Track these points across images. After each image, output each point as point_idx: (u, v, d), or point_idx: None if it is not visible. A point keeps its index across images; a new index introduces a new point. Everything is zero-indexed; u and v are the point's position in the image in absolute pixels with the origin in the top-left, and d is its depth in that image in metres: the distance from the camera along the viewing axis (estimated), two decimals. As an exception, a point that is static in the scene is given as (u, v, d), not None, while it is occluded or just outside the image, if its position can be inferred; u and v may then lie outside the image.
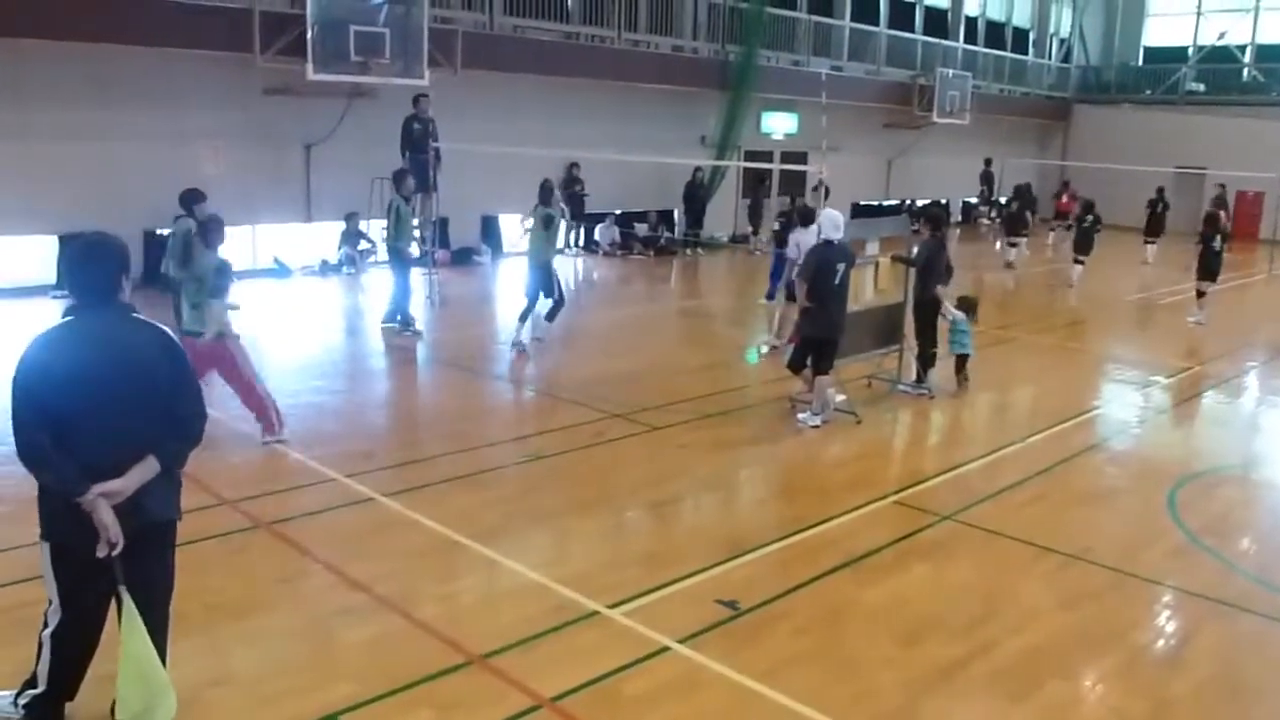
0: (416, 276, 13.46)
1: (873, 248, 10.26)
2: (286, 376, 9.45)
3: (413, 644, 4.82)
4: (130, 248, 3.81)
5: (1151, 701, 4.64)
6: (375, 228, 16.35)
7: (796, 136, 24.06)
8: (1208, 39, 32.01)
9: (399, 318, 12.01)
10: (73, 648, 3.71)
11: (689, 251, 21.17)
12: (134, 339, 3.60)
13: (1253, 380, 11.88)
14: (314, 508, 6.49)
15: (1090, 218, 18.30)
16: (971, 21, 30.74)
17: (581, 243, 20.32)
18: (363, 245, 16.50)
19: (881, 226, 24.00)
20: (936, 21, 29.20)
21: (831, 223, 8.76)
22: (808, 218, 11.02)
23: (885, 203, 28.23)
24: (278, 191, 15.60)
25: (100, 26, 13.00)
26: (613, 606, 5.21)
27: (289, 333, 11.99)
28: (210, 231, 7.40)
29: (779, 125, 23.99)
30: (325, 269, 16.06)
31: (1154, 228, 21.72)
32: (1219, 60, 31.72)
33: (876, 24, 26.75)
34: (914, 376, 10.06)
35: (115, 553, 3.45)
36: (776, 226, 12.34)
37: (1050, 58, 34.14)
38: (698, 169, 21.36)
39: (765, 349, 11.21)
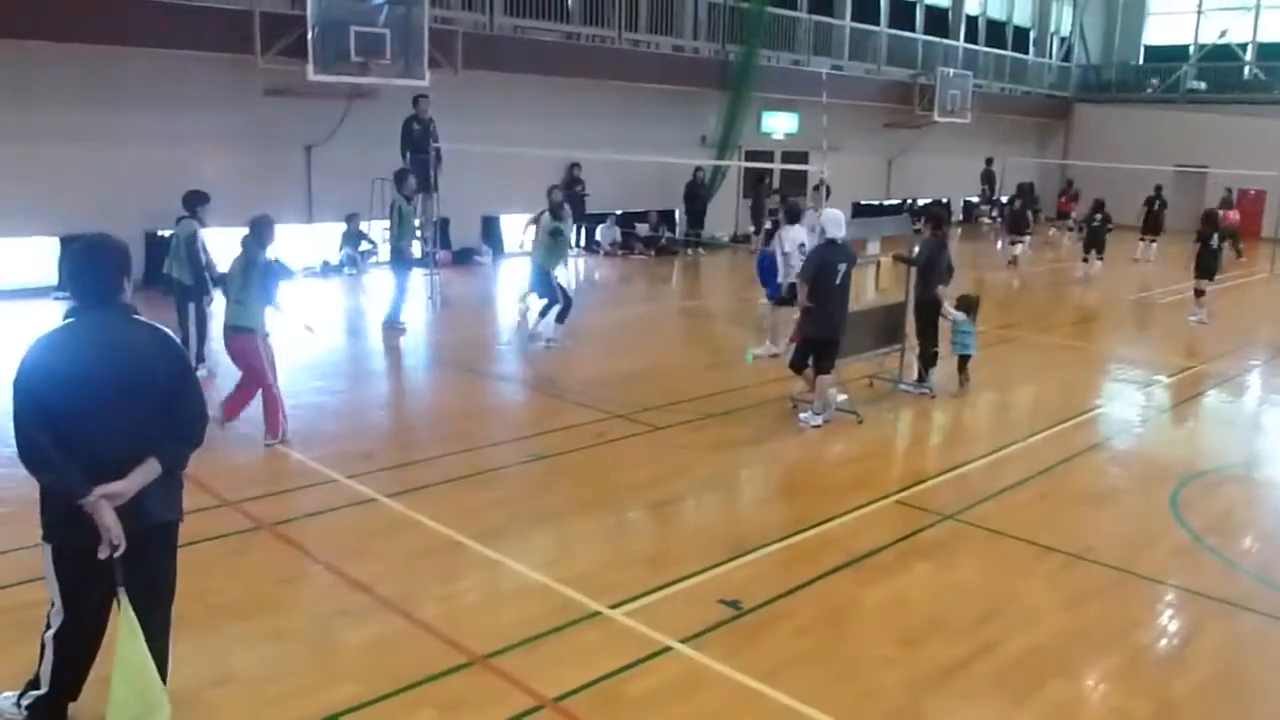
0: (417, 277, 13.48)
1: (874, 247, 10.27)
2: (288, 377, 9.42)
3: (415, 644, 4.82)
4: (131, 249, 3.81)
5: (1154, 701, 4.63)
6: (376, 228, 16.40)
7: (797, 136, 24.07)
8: (1209, 37, 31.99)
9: (391, 315, 12.13)
10: (75, 649, 3.71)
11: (690, 251, 21.18)
12: (135, 340, 3.59)
13: (1255, 379, 11.87)
14: (315, 508, 6.50)
15: (1100, 216, 18.30)
16: (972, 20, 30.75)
17: (583, 243, 20.33)
18: (364, 246, 16.52)
19: (883, 226, 23.98)
20: (937, 20, 29.21)
21: (833, 221, 8.75)
22: (794, 213, 11.23)
23: (886, 202, 28.22)
24: (279, 192, 15.58)
25: (101, 28, 13.02)
26: (615, 606, 5.21)
27: (290, 333, 11.96)
28: (262, 231, 7.48)
29: (780, 125, 24.00)
30: (326, 270, 16.07)
31: (1151, 225, 21.74)
32: (1220, 58, 31.69)
33: (877, 23, 26.77)
34: (915, 376, 10.05)
35: (117, 555, 3.45)
36: (769, 225, 12.41)
37: (1051, 57, 34.14)
38: (698, 169, 21.37)
39: (764, 355, 11.20)
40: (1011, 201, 22.72)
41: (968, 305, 10.23)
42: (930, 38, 28.31)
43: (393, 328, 12.04)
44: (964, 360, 10.16)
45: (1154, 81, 31.90)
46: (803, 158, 22.69)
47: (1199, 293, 14.77)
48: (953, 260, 10.40)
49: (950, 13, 29.76)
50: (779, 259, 11.21)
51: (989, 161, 27.93)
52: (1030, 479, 7.67)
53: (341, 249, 16.33)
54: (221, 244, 10.08)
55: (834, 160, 17.08)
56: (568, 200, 13.44)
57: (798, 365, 8.90)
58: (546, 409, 9.38)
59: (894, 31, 27.13)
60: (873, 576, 5.83)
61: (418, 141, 14.58)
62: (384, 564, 5.69)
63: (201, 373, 8.92)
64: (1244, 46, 31.62)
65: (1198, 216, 15.57)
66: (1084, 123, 33.19)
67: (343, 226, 16.37)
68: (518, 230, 18.40)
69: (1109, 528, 6.79)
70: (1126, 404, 10.45)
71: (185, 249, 9.40)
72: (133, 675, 3.48)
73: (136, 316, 3.65)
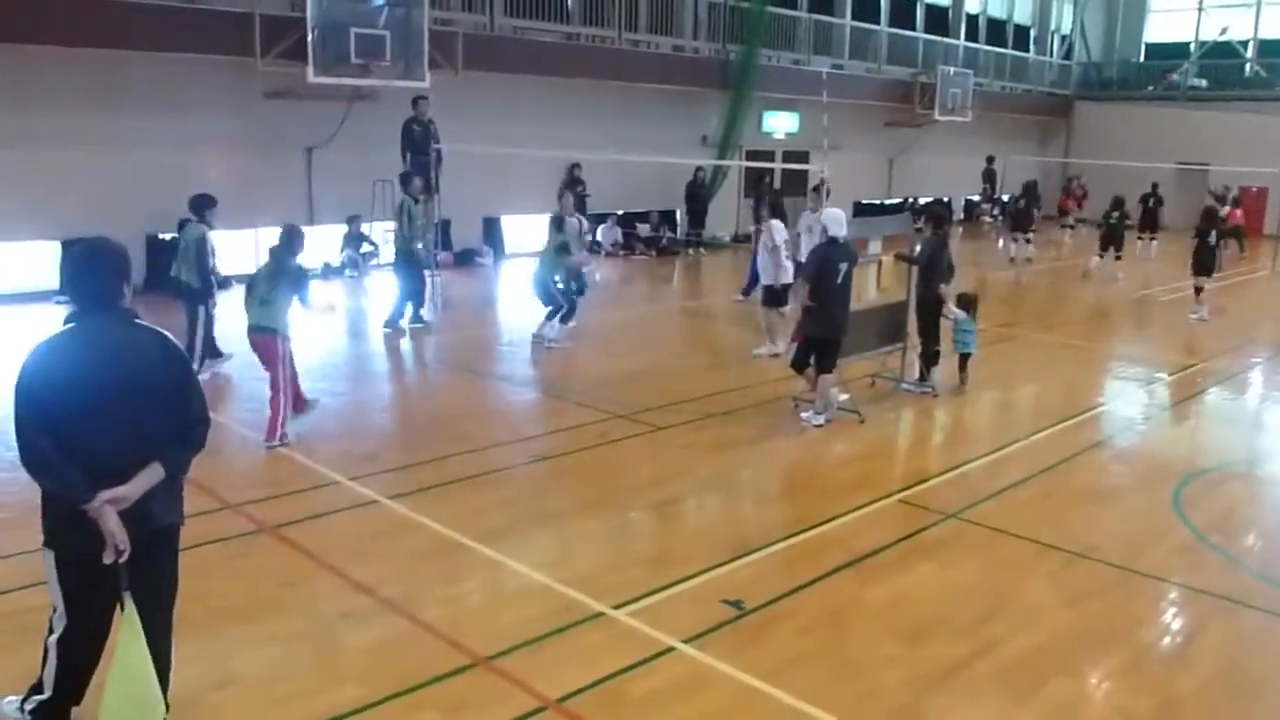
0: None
1: (875, 246, 10.26)
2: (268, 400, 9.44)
3: (418, 646, 4.82)
4: (133, 252, 3.82)
5: (1157, 699, 4.62)
6: (378, 230, 16.42)
7: (798, 135, 24.06)
8: (1209, 34, 31.95)
9: (390, 316, 12.25)
10: (79, 653, 3.71)
11: (691, 251, 21.17)
12: (136, 344, 3.59)
13: (1257, 376, 11.85)
14: (318, 511, 6.50)
15: (1117, 214, 18.32)
16: (973, 19, 30.74)
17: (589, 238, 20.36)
18: (365, 248, 16.53)
19: (884, 225, 23.96)
20: (937, 19, 29.20)
21: (834, 220, 8.75)
22: (777, 208, 11.46)
23: (887, 201, 28.20)
24: (280, 195, 15.60)
25: (102, 31, 13.03)
26: (618, 607, 5.21)
27: (291, 334, 11.97)
28: (293, 240, 7.89)
29: (780, 124, 23.99)
30: (328, 271, 16.07)
31: (1149, 223, 21.76)
32: (1221, 56, 31.65)
33: (877, 22, 26.76)
34: (917, 375, 10.05)
35: (123, 560, 3.45)
36: (754, 225, 12.67)
37: (1052, 55, 34.12)
38: (699, 169, 21.37)
39: (765, 355, 11.20)
40: (1015, 200, 22.71)
41: (966, 303, 10.23)
42: (931, 36, 28.30)
43: (416, 324, 12.22)
44: (964, 359, 10.16)
45: (1172, 76, 31.66)
46: (804, 157, 22.68)
47: (1198, 289, 14.77)
48: (953, 259, 10.40)
49: (950, 11, 29.75)
50: (763, 256, 11.24)
51: (990, 160, 27.92)
52: (1032, 477, 7.66)
53: (343, 251, 16.34)
54: (224, 247, 10.10)
55: (835, 159, 17.06)
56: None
57: (799, 365, 8.89)
58: (548, 410, 9.38)
59: (894, 30, 27.12)
60: (875, 576, 5.83)
61: (418, 143, 14.59)
62: (386, 566, 5.69)
63: (204, 375, 8.92)
64: (1245, 43, 31.58)
65: (1199, 214, 15.60)
66: (1085, 121, 33.16)
67: (344, 228, 16.37)
68: (524, 230, 18.57)
69: (1111, 526, 6.78)
70: (1128, 402, 10.44)
71: (194, 252, 9.49)
72: (130, 680, 3.46)
73: (137, 320, 3.65)
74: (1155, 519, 6.94)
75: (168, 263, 10.30)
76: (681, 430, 8.49)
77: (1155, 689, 4.72)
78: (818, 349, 8.66)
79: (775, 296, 11.28)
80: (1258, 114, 28.84)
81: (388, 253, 16.39)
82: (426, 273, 12.81)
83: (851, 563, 5.95)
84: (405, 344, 11.87)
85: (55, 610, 3.68)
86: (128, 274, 3.68)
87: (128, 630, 3.47)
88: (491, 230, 19.07)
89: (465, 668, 4.61)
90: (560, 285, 11.55)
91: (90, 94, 13.75)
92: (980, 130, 28.04)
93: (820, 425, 8.66)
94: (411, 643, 4.86)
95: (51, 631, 3.70)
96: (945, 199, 26.84)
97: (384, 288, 14.91)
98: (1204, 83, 31.56)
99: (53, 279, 12.93)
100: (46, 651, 3.72)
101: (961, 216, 29.67)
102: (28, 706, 3.80)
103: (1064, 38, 34.75)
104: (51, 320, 3.73)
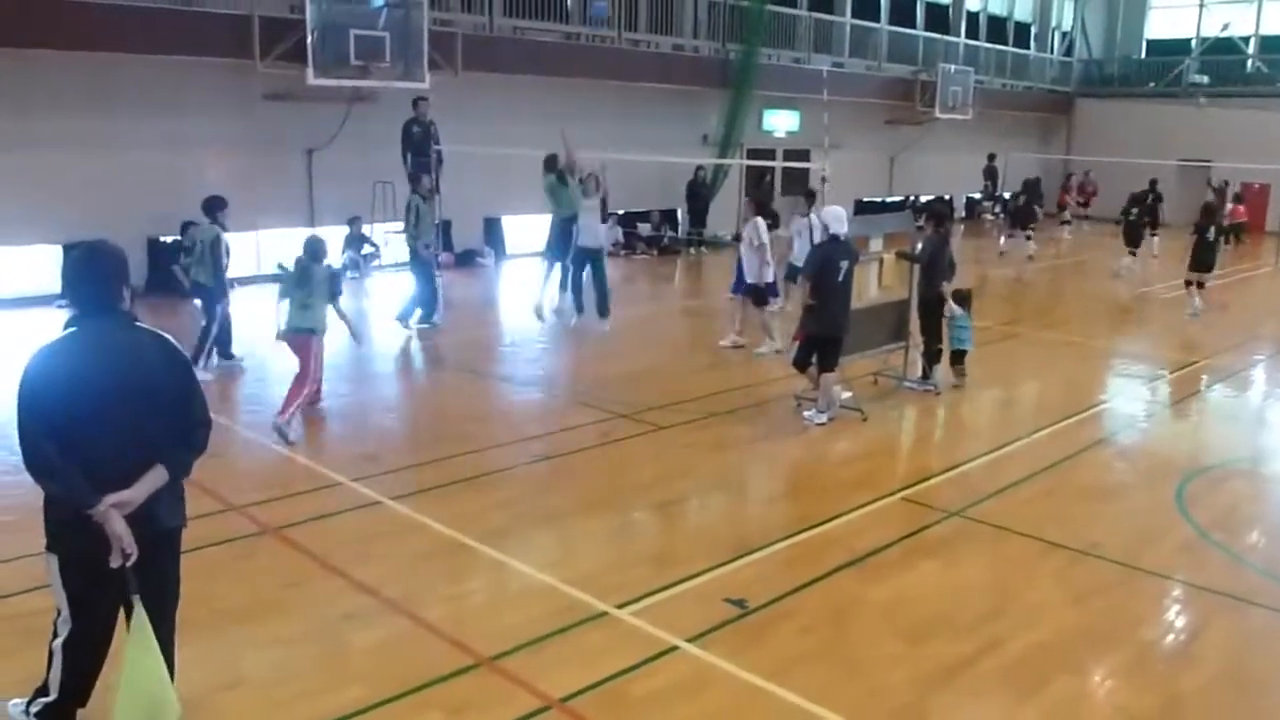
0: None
1: (876, 244, 10.24)
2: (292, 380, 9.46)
3: (421, 646, 4.83)
4: (134, 255, 3.84)
5: (1161, 697, 4.62)
6: (379, 231, 16.42)
7: (799, 134, 24.04)
8: (1211, 30, 31.90)
9: (403, 311, 12.28)
10: (85, 656, 3.71)
11: (692, 251, 21.17)
12: (137, 346, 3.59)
13: (1259, 373, 11.84)
14: (321, 512, 6.50)
15: (1135, 211, 18.28)
16: (973, 16, 30.70)
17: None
18: (366, 249, 16.52)
19: (885, 223, 23.90)
20: (938, 17, 29.16)
21: (835, 218, 8.75)
22: (763, 206, 11.63)
23: (888, 199, 28.18)
24: (280, 197, 15.61)
25: (101, 35, 13.04)
26: (620, 606, 5.22)
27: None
28: (316, 249, 8.43)
29: (781, 123, 23.96)
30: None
31: (1150, 220, 21.67)
32: (1222, 52, 31.60)
33: (877, 20, 26.73)
34: (920, 373, 10.04)
35: (129, 563, 3.45)
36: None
37: (1052, 52, 34.07)
38: (700, 168, 21.35)
39: (767, 354, 11.20)
40: (1016, 197, 22.68)
41: (961, 300, 10.21)
42: (931, 34, 28.26)
43: (408, 325, 12.21)
44: (960, 355, 10.15)
45: (1199, 78, 31.49)
46: (804, 155, 22.66)
47: (1199, 285, 14.75)
48: (954, 256, 10.40)
49: (951, 9, 29.71)
50: (747, 254, 11.23)
51: (991, 158, 27.84)
52: (1035, 475, 7.66)
53: (344, 252, 16.32)
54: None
55: (836, 158, 17.06)
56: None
57: (801, 363, 8.89)
58: (550, 410, 9.39)
59: (894, 28, 27.08)
60: (878, 574, 5.83)
61: (418, 144, 14.59)
62: (389, 566, 5.70)
63: (205, 376, 8.94)
64: (1247, 39, 31.53)
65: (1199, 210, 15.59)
66: (1086, 118, 33.11)
67: (345, 230, 16.36)
68: (525, 231, 18.56)
69: (1114, 523, 6.77)
70: (1131, 399, 10.43)
71: (209, 252, 9.63)
72: (144, 683, 3.48)
73: (138, 323, 3.65)
74: (1158, 516, 6.93)
75: (170, 265, 10.33)
76: (684, 429, 8.50)
77: (1159, 687, 4.72)
78: (819, 347, 8.66)
79: (760, 295, 11.32)
80: (1260, 110, 28.76)
81: (389, 254, 16.45)
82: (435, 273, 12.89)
83: (854, 561, 5.95)
84: (408, 344, 11.88)
85: (60, 614, 3.68)
86: (126, 277, 3.68)
87: (138, 633, 3.48)
88: (492, 231, 19.07)
89: (468, 668, 4.62)
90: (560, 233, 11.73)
91: (90, 97, 13.75)
92: (981, 128, 28.00)
93: (822, 424, 8.66)
94: (415, 643, 4.86)
95: (56, 635, 3.70)
96: (946, 197, 26.80)
97: (383, 288, 14.95)
98: (1206, 79, 31.50)
99: (54, 283, 12.93)
100: (52, 655, 3.72)
101: (963, 214, 29.64)
102: (33, 709, 3.80)
103: (1065, 34, 34.70)
104: (53, 324, 3.74)
